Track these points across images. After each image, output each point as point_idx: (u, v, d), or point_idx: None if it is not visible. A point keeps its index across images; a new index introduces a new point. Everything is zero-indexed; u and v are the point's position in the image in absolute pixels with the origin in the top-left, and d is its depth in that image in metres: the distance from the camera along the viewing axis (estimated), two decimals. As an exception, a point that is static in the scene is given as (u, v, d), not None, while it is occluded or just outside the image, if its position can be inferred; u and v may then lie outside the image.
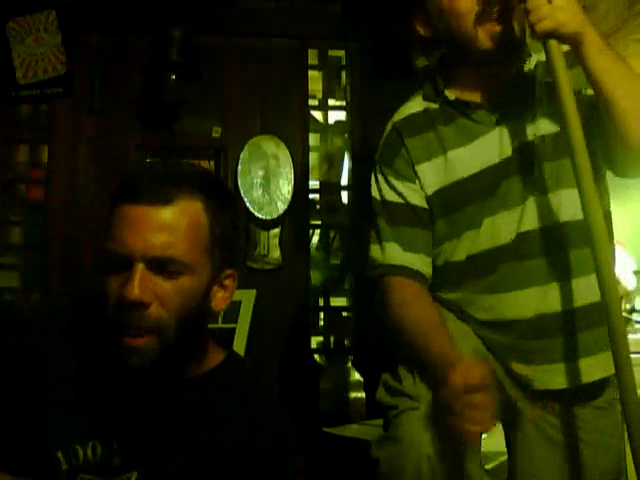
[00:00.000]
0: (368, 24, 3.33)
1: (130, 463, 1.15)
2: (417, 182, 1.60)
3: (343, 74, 3.56)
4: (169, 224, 1.09)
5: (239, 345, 3.02)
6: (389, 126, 1.68)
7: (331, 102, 3.59)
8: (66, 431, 1.16)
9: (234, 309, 3.11)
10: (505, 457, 2.20)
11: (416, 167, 1.60)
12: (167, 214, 1.09)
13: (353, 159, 3.48)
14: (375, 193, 1.65)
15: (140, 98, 3.18)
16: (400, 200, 1.61)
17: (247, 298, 3.13)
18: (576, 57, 1.42)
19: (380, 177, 1.65)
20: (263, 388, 1.29)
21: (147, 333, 1.09)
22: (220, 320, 3.09)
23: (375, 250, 1.63)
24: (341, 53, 3.54)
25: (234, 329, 3.06)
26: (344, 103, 3.54)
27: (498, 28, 1.49)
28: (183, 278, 1.10)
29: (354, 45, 3.42)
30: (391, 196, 1.62)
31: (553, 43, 1.40)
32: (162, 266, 1.08)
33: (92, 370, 1.18)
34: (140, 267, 1.07)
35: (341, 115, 3.59)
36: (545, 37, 1.40)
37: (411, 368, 1.52)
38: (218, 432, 1.16)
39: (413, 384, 1.49)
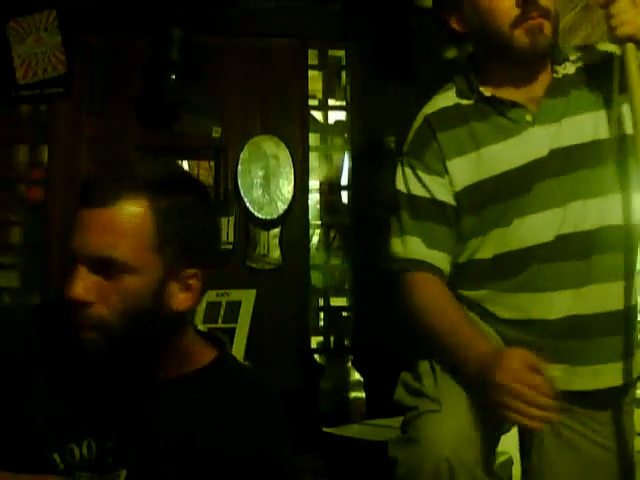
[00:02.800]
0: (368, 24, 3.34)
1: (121, 460, 1.15)
2: (446, 177, 1.57)
3: (343, 74, 3.57)
4: (110, 225, 1.10)
5: (239, 345, 3.02)
6: (420, 118, 1.64)
7: (331, 102, 3.60)
8: (61, 432, 1.17)
9: (234, 309, 3.11)
10: (506, 457, 2.21)
11: (447, 162, 1.57)
12: (108, 215, 1.11)
13: (353, 159, 3.48)
14: (401, 185, 1.62)
15: (140, 98, 3.18)
16: (427, 195, 1.58)
17: (247, 298, 3.13)
18: None
19: (407, 170, 1.61)
20: (256, 387, 1.28)
21: (91, 329, 1.12)
22: (220, 320, 3.09)
23: (397, 243, 1.61)
24: (341, 53, 3.54)
25: (234, 329, 3.06)
26: (344, 103, 3.54)
27: (534, 28, 1.50)
28: (126, 278, 1.11)
29: (354, 45, 3.42)
30: (418, 190, 1.59)
31: (630, 47, 1.45)
32: (103, 266, 1.10)
33: (81, 368, 1.19)
34: (82, 267, 1.10)
35: (341, 115, 3.59)
36: (624, 41, 1.45)
37: (432, 367, 1.51)
38: (205, 430, 1.16)
39: (434, 384, 1.48)
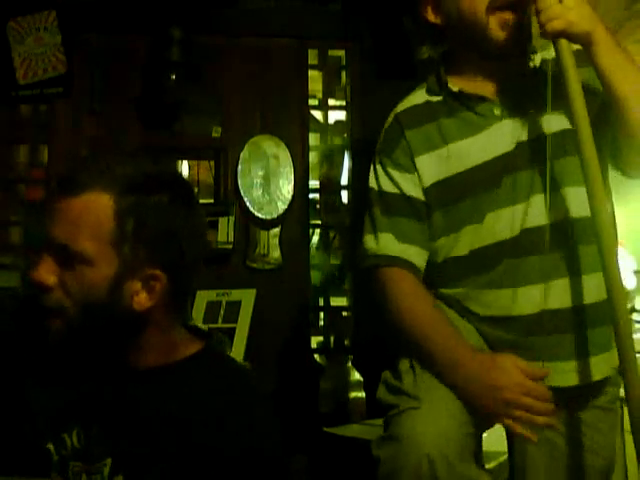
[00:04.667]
0: (368, 24, 3.34)
1: (106, 449, 1.17)
2: (415, 174, 1.59)
3: (343, 74, 3.57)
4: (70, 214, 1.13)
5: (239, 345, 3.02)
6: (391, 117, 1.67)
7: (331, 102, 3.60)
8: (53, 422, 1.19)
9: (234, 309, 3.11)
10: (505, 457, 2.21)
11: (415, 158, 1.59)
12: (71, 205, 1.13)
13: (353, 159, 3.48)
14: (373, 183, 1.65)
15: (140, 98, 3.18)
16: (396, 191, 1.60)
17: (247, 298, 3.13)
18: (586, 56, 1.44)
19: (379, 167, 1.64)
20: (239, 375, 1.28)
21: (50, 314, 1.15)
22: (220, 320, 3.09)
23: (369, 240, 1.63)
24: (341, 53, 3.54)
25: (234, 329, 3.06)
26: (344, 103, 3.54)
27: (510, 17, 1.50)
28: (81, 268, 1.13)
29: (354, 45, 3.42)
30: (388, 186, 1.61)
31: (563, 42, 1.41)
32: (62, 253, 1.13)
33: (62, 359, 1.23)
34: (46, 254, 1.15)
35: (341, 115, 3.59)
36: (555, 37, 1.41)
37: (412, 365, 1.52)
38: (187, 417, 1.16)
39: (413, 382, 1.49)
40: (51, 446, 1.19)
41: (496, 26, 1.51)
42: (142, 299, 1.15)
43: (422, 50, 1.69)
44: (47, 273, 1.14)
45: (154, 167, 1.20)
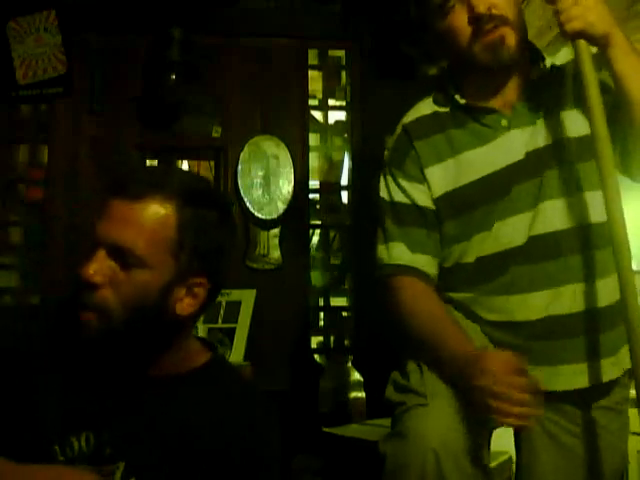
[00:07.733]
0: (368, 24, 3.34)
1: (119, 453, 1.19)
2: (425, 184, 1.61)
3: (343, 74, 3.57)
4: (134, 218, 1.16)
5: (239, 345, 3.02)
6: (399, 128, 1.69)
7: (331, 102, 3.60)
8: (62, 425, 1.20)
9: (234, 309, 3.11)
10: (505, 456, 2.21)
11: (425, 169, 1.61)
12: (136, 210, 1.17)
13: (353, 159, 3.48)
14: (384, 194, 1.66)
15: (140, 98, 3.18)
16: (408, 201, 1.62)
17: (247, 298, 3.13)
18: (602, 58, 1.45)
19: (389, 178, 1.66)
20: (248, 385, 1.35)
21: (93, 312, 1.17)
22: (220, 320, 3.09)
23: (382, 250, 1.64)
24: (341, 53, 3.54)
25: (234, 329, 3.06)
26: (344, 103, 3.54)
27: (494, 43, 1.51)
28: (138, 271, 1.16)
29: (354, 45, 3.42)
30: (399, 197, 1.63)
31: (582, 43, 1.43)
32: (119, 255, 1.16)
33: (80, 362, 1.24)
34: (101, 252, 1.17)
35: (341, 115, 3.59)
36: (574, 37, 1.43)
37: (419, 364, 1.53)
38: (201, 425, 1.21)
39: (420, 380, 1.50)
40: (57, 448, 1.19)
41: (481, 51, 1.52)
42: (185, 305, 1.21)
43: (427, 67, 1.71)
44: (98, 272, 1.16)
45: (204, 183, 1.31)
